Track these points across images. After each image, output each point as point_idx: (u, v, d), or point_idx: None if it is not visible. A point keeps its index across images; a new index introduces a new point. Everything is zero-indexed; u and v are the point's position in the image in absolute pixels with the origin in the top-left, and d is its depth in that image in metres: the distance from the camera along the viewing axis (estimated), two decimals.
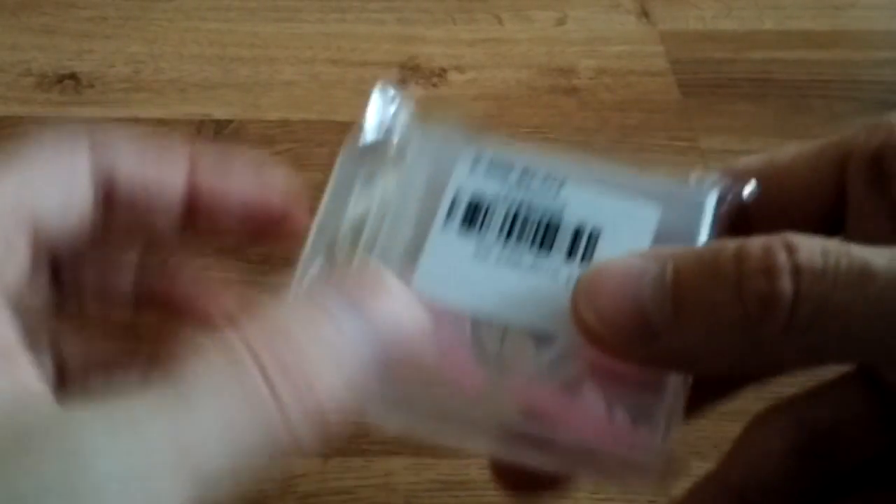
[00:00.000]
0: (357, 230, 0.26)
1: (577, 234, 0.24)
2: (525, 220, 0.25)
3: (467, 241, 0.25)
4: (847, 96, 0.60)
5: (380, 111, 0.27)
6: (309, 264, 0.26)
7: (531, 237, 0.25)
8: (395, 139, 0.27)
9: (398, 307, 0.20)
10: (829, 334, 0.20)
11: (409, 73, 0.61)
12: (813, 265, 0.20)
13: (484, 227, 0.25)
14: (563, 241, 0.25)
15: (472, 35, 0.65)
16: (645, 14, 0.67)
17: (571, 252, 0.24)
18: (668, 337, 0.21)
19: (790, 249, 0.20)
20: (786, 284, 0.20)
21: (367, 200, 0.26)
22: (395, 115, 0.27)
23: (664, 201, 0.25)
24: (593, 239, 0.24)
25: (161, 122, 0.57)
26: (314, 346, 0.19)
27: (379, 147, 0.26)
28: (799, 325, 0.20)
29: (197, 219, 0.25)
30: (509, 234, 0.25)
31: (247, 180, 0.25)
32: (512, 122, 0.57)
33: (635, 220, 0.24)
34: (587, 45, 0.64)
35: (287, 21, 0.65)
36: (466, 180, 0.26)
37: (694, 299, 0.20)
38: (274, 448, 0.18)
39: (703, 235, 0.24)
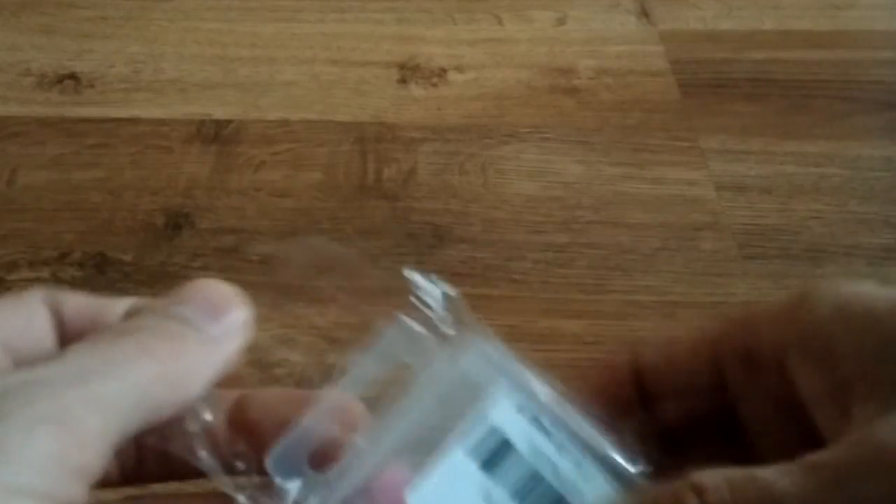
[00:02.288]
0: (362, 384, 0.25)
1: None
2: (542, 489, 0.24)
3: (481, 480, 0.24)
4: (847, 96, 0.60)
5: (431, 299, 0.25)
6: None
7: None
8: (437, 333, 0.25)
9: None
10: None
11: (409, 73, 0.61)
12: (723, 500, 0.21)
13: (502, 475, 0.24)
14: None
15: (472, 35, 0.65)
16: (645, 14, 0.67)
17: None
18: None
19: (699, 491, 0.21)
20: None
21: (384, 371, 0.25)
22: (444, 307, 0.26)
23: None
24: None
25: (161, 122, 0.57)
26: (175, 337, 0.22)
27: (420, 336, 0.25)
28: None
29: None
30: (522, 495, 0.24)
31: None
32: (512, 122, 0.57)
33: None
34: (587, 45, 0.64)
35: (287, 21, 0.65)
36: (506, 421, 0.25)
37: None
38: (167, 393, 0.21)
39: None
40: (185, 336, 0.22)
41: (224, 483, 0.22)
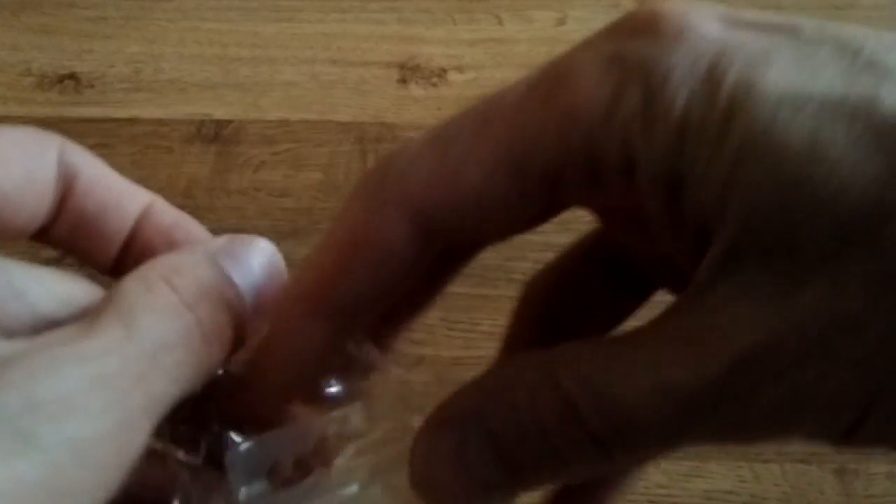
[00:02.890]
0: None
1: None
2: None
3: None
4: None
5: None
6: None
7: None
8: None
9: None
10: None
11: (409, 73, 0.61)
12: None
13: None
14: None
15: (472, 35, 0.65)
16: None
17: None
18: (514, 485, 0.19)
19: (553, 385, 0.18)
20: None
21: None
22: None
23: None
24: None
25: (161, 122, 0.57)
26: (216, 296, 0.21)
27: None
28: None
29: (127, 259, 0.24)
30: None
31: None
32: None
33: None
34: None
35: (287, 21, 0.65)
36: None
37: (516, 451, 0.19)
38: (201, 364, 0.19)
39: None
40: (223, 298, 0.21)
41: (174, 453, 0.21)
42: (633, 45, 0.18)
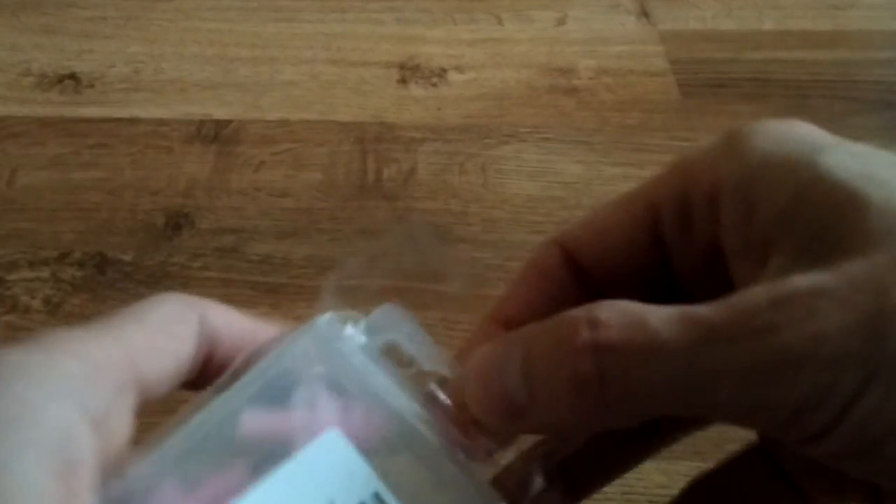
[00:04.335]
0: None
1: None
2: None
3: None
4: (847, 96, 0.60)
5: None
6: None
7: None
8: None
9: None
10: (638, 404, 0.20)
11: (409, 73, 0.61)
12: (611, 341, 0.20)
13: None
14: None
15: (472, 35, 0.65)
16: (645, 14, 0.67)
17: None
18: (531, 413, 0.22)
19: (591, 325, 0.20)
20: (589, 365, 0.20)
21: None
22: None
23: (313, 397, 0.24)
24: None
25: (161, 122, 0.57)
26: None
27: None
28: (610, 401, 0.20)
29: None
30: None
31: None
32: (512, 122, 0.57)
33: (336, 461, 0.23)
34: (587, 45, 0.64)
35: (287, 21, 0.65)
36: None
37: (537, 379, 0.21)
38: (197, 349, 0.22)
39: (374, 372, 0.24)
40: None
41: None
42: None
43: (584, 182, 0.54)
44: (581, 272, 0.26)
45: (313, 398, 0.23)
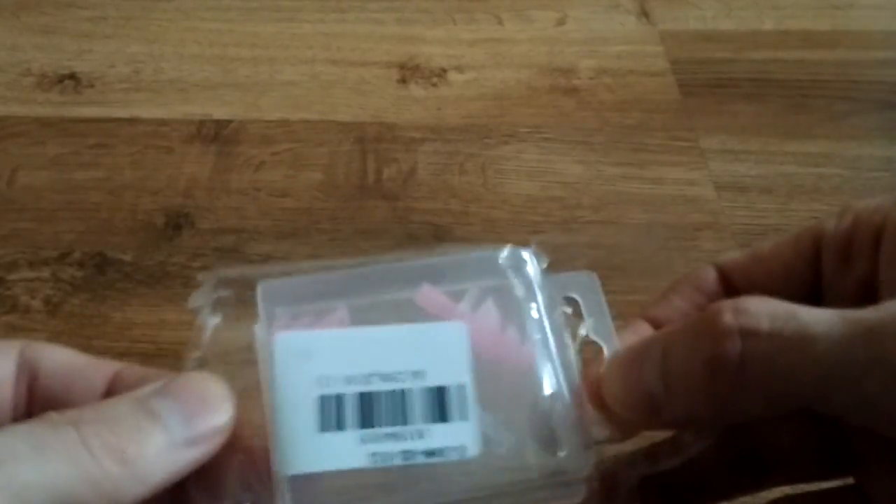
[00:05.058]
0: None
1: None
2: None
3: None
4: (847, 96, 0.60)
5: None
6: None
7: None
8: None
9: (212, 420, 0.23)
10: (777, 391, 0.22)
11: (409, 73, 0.61)
12: (759, 328, 0.21)
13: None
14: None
15: (472, 35, 0.65)
16: (645, 14, 0.67)
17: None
18: (668, 408, 0.23)
19: (738, 313, 0.22)
20: (732, 346, 0.22)
21: None
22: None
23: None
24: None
25: (161, 122, 0.57)
26: (136, 433, 0.22)
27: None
28: (749, 383, 0.22)
29: None
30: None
31: None
32: (512, 122, 0.57)
33: (450, 345, 0.25)
34: (587, 45, 0.64)
35: (287, 21, 0.65)
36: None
37: (674, 371, 0.23)
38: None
39: (534, 301, 0.27)
40: (149, 434, 0.21)
41: None
42: None
43: (584, 182, 0.54)
44: (732, 292, 0.27)
45: (481, 300, 0.26)
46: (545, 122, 0.58)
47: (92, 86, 0.59)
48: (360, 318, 0.26)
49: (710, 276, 0.28)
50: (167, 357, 0.44)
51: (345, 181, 0.53)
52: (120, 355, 0.44)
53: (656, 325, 0.28)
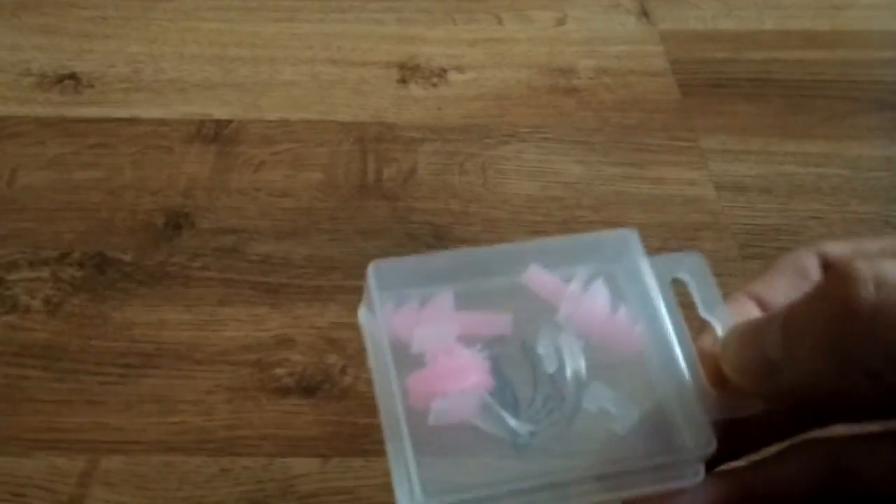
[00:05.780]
0: None
1: None
2: None
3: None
4: (847, 96, 0.60)
5: None
6: None
7: None
8: None
9: None
10: None
11: (409, 73, 0.61)
12: (894, 278, 0.21)
13: None
14: None
15: (472, 35, 0.65)
16: (645, 14, 0.67)
17: None
18: (787, 370, 0.23)
19: (872, 263, 0.22)
20: (867, 293, 0.21)
21: None
22: None
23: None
24: None
25: (161, 122, 0.57)
26: None
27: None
28: (879, 333, 0.21)
29: None
30: None
31: None
32: (512, 122, 0.57)
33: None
34: (587, 45, 0.64)
35: (287, 21, 0.65)
36: None
37: (798, 329, 0.23)
38: None
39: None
40: None
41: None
42: None
43: (584, 182, 0.54)
44: None
45: (590, 282, 0.27)
46: (545, 122, 0.58)
47: (92, 86, 0.59)
48: (466, 302, 0.27)
49: (813, 264, 0.28)
50: (167, 357, 0.44)
51: (345, 181, 0.53)
52: (120, 355, 0.44)
53: (760, 303, 0.28)
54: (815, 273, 0.28)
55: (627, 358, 0.27)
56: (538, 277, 0.27)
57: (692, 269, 0.28)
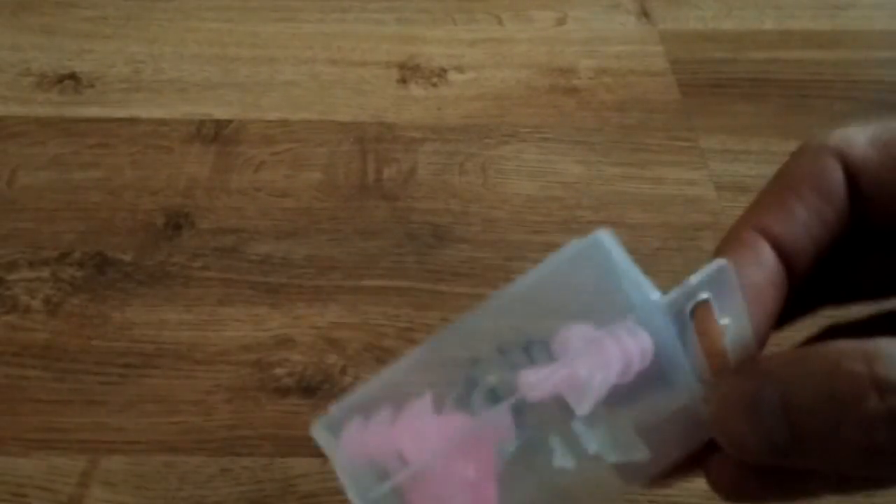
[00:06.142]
0: None
1: None
2: None
3: None
4: (847, 96, 0.60)
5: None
6: None
7: None
8: None
9: None
10: None
11: (409, 73, 0.61)
12: None
13: None
14: None
15: (472, 35, 0.65)
16: (645, 14, 0.67)
17: None
18: (794, 454, 0.21)
19: (882, 390, 0.19)
20: (883, 437, 0.19)
21: None
22: None
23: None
24: None
25: (161, 122, 0.57)
26: None
27: None
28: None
29: None
30: None
31: None
32: (512, 122, 0.57)
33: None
34: (587, 45, 0.64)
35: (287, 21, 0.65)
36: None
37: (808, 427, 0.20)
38: None
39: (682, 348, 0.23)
40: None
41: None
42: None
43: (584, 182, 0.54)
44: (861, 200, 0.23)
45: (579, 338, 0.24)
46: (545, 122, 0.58)
47: (92, 86, 0.59)
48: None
49: (836, 178, 0.23)
50: (167, 357, 0.44)
51: (345, 181, 0.53)
52: (120, 355, 0.44)
53: (775, 241, 0.23)
54: (839, 190, 0.23)
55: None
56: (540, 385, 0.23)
57: (716, 286, 0.23)
